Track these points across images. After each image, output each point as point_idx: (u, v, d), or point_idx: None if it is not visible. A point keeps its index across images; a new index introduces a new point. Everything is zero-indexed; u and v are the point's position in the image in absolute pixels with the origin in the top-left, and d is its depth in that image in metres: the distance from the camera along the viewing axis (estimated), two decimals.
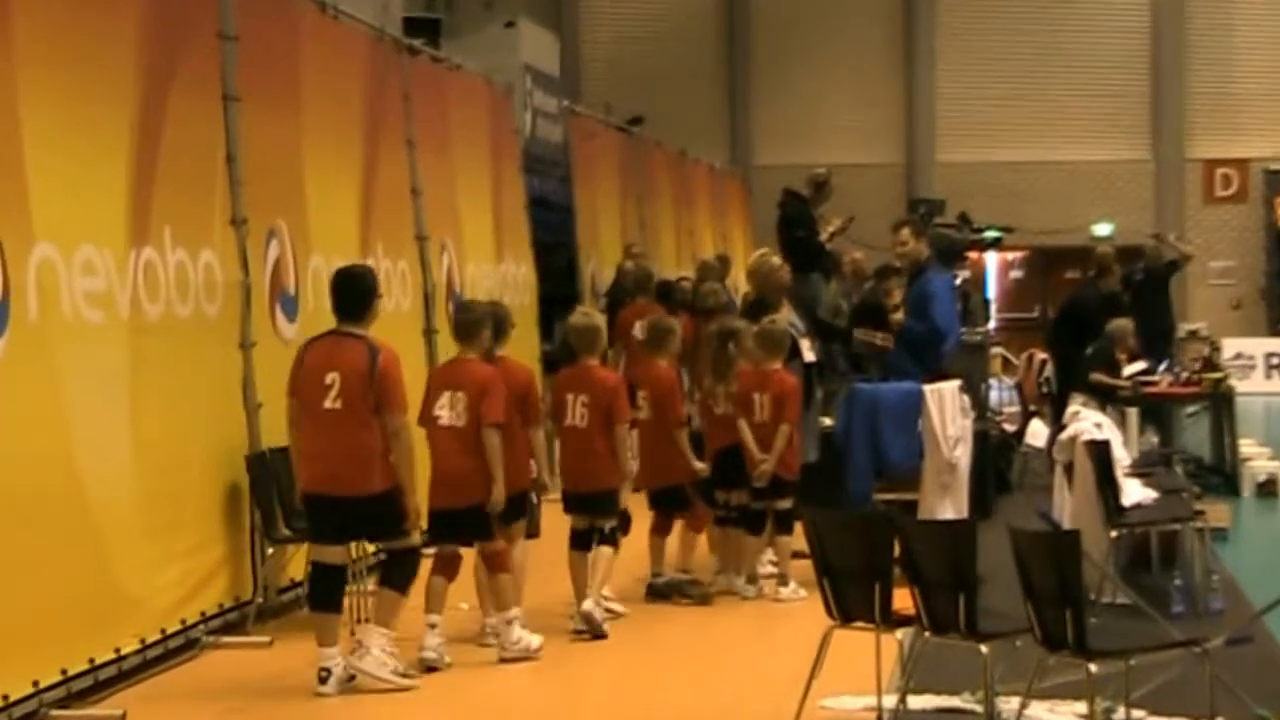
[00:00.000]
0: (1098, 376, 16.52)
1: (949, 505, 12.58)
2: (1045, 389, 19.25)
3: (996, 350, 21.10)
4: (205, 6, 11.41)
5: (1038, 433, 18.37)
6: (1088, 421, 12.07)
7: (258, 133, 11.78)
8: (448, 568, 10.20)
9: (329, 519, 9.57)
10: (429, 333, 14.99)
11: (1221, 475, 17.30)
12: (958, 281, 16.42)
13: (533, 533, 10.87)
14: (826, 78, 34.55)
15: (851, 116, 34.50)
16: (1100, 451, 11.46)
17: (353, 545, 10.13)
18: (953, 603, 7.81)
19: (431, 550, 10.25)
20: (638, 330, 17.19)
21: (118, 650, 9.56)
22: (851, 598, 8.20)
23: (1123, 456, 12.17)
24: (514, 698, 9.81)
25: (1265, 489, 17.00)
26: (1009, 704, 8.17)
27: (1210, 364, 18.27)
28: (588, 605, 10.80)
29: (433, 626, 9.95)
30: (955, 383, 13.06)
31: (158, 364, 10.22)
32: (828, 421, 13.20)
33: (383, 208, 14.19)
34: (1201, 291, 33.10)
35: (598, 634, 10.77)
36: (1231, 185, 34.58)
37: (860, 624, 8.21)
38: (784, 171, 22.37)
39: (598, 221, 22.74)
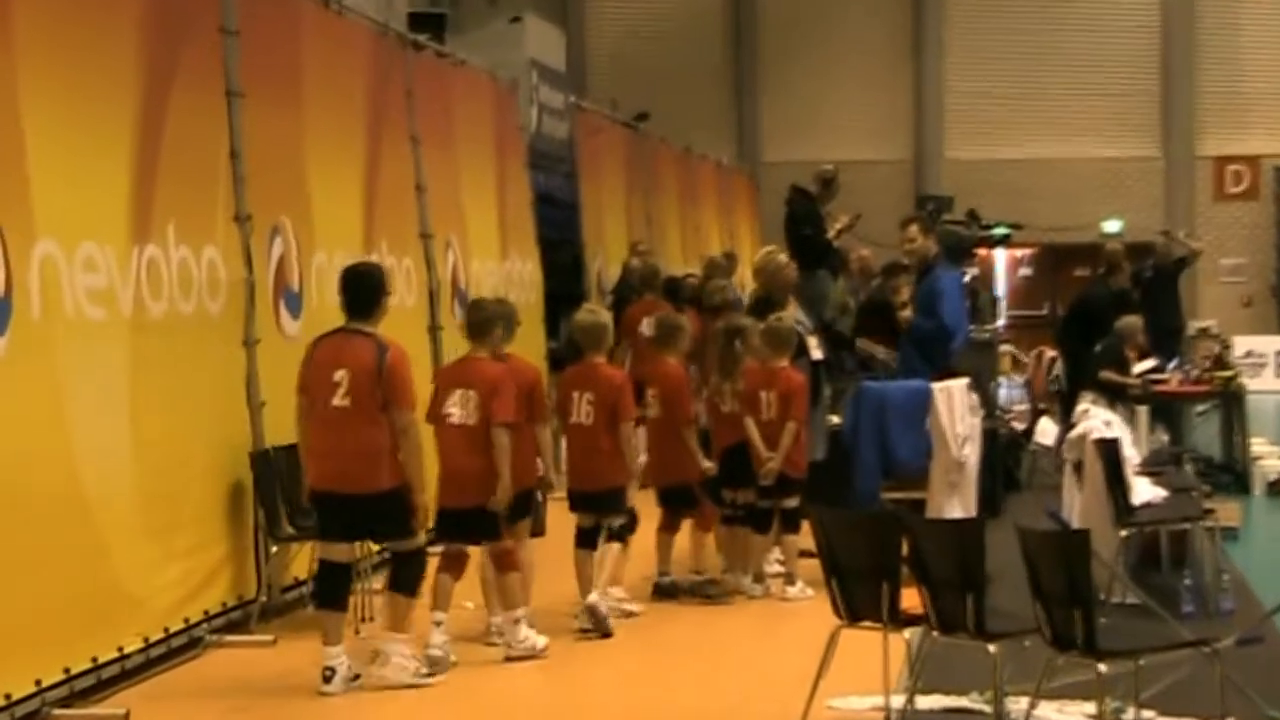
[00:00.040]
0: (1107, 374, 16.51)
1: (957, 504, 12.56)
2: (1054, 387, 19.24)
3: (1005, 348, 21.08)
4: (207, 1, 11.41)
5: (1047, 431, 18.36)
6: (1097, 420, 12.07)
7: (261, 129, 11.78)
8: (455, 566, 10.22)
9: (337, 516, 9.59)
10: (433, 329, 15.00)
11: (1232, 474, 17.29)
12: (966, 279, 16.41)
13: (538, 531, 10.87)
14: (834, 73, 34.54)
15: (859, 112, 34.49)
16: (1110, 450, 11.45)
17: (359, 544, 10.14)
18: (961, 602, 7.80)
19: (437, 548, 10.25)
20: (645, 327, 17.24)
21: (121, 649, 9.57)
22: (859, 597, 8.20)
23: (1132, 455, 12.18)
24: (519, 697, 9.81)
25: (1276, 488, 16.99)
26: (1018, 704, 8.16)
27: (1221, 362, 18.26)
28: (593, 598, 10.81)
29: (438, 624, 9.96)
30: (964, 381, 13.04)
31: (160, 362, 10.23)
32: (835, 420, 13.19)
33: (387, 204, 14.20)
34: (1212, 289, 33.09)
35: (603, 630, 10.77)
36: (1242, 182, 34.57)
37: (868, 623, 8.20)
38: (791, 168, 22.37)
39: (603, 218, 22.74)
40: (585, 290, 20.97)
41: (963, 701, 8.71)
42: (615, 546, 11.05)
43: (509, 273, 17.87)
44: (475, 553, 10.37)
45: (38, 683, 8.74)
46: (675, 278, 18.98)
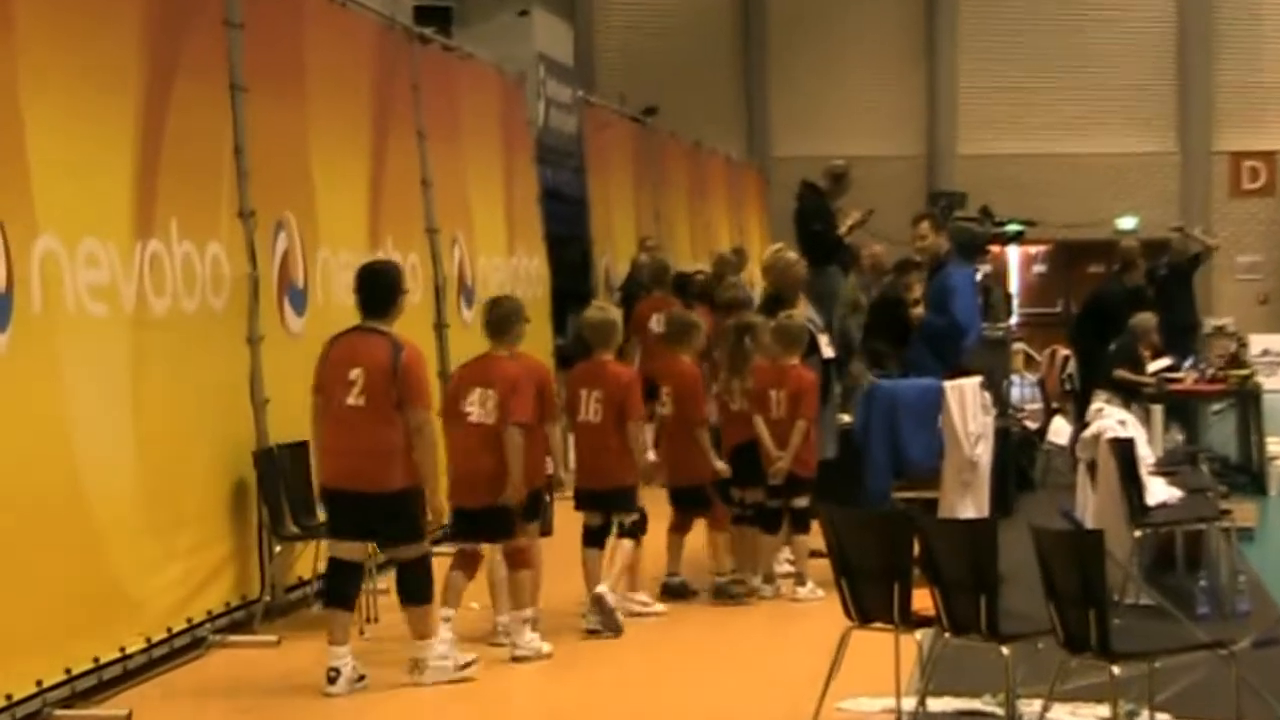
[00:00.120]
0: (1121, 373, 16.50)
1: (970, 504, 12.57)
2: (1068, 385, 19.22)
3: (1018, 346, 21.08)
4: None
5: (1060, 430, 18.35)
6: (1111, 419, 12.06)
7: (265, 123, 11.79)
8: (468, 565, 10.29)
9: (347, 515, 9.61)
10: (440, 326, 15.01)
11: (1248, 474, 17.26)
12: (979, 276, 16.41)
13: (545, 531, 10.88)
14: (845, 66, 34.51)
15: (871, 107, 34.45)
16: (1124, 449, 11.44)
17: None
18: (973, 603, 7.80)
19: (442, 548, 10.27)
20: (655, 324, 17.25)
21: (123, 649, 9.57)
22: (870, 598, 8.20)
23: (1147, 454, 12.17)
24: (526, 697, 9.82)
25: None
26: (1030, 706, 8.16)
27: (1236, 360, 18.24)
28: (601, 589, 10.82)
29: (446, 620, 9.99)
30: (976, 379, 13.05)
31: (163, 359, 10.23)
32: (846, 418, 13.19)
33: (392, 200, 14.21)
34: (1228, 286, 33.05)
35: (612, 625, 10.79)
36: (1259, 178, 34.51)
37: (879, 624, 8.21)
38: (802, 163, 22.34)
39: (612, 214, 22.75)
40: (593, 287, 20.98)
41: (975, 704, 8.70)
42: (627, 543, 11.07)
43: (516, 269, 17.87)
44: (485, 552, 10.39)
45: (39, 683, 8.74)
46: (685, 274, 18.98)
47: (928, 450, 12.74)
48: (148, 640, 9.86)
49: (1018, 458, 16.32)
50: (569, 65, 25.13)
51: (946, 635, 8.09)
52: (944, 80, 34.60)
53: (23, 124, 8.96)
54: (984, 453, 12.79)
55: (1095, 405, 13.18)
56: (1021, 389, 20.43)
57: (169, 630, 10.12)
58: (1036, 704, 8.08)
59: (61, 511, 9.08)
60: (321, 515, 11.07)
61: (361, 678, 9.52)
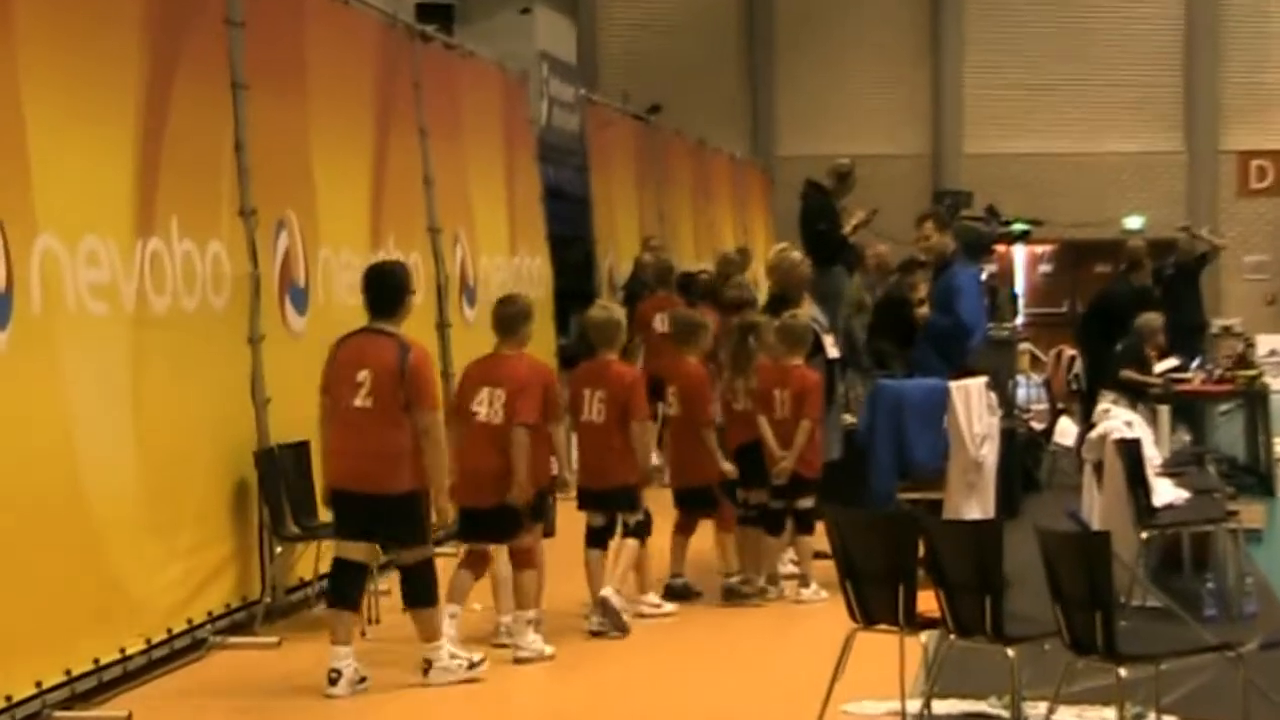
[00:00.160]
0: (1128, 373, 16.50)
1: (975, 505, 12.56)
2: (1074, 386, 19.22)
3: (1024, 346, 21.07)
4: None
5: (1066, 431, 18.35)
6: (1118, 419, 12.06)
7: (266, 121, 11.80)
8: (477, 564, 10.36)
9: (354, 516, 9.63)
10: (441, 326, 15.01)
11: (1255, 475, 17.26)
12: (984, 276, 16.40)
13: (548, 532, 10.88)
14: (851, 64, 34.51)
15: (876, 105, 34.45)
16: (1131, 450, 11.44)
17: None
18: (978, 605, 7.80)
19: (445, 549, 10.28)
20: (658, 323, 17.27)
21: (122, 650, 9.58)
22: (874, 599, 8.20)
23: (1154, 455, 12.16)
24: (529, 698, 9.83)
25: None
26: (1036, 709, 8.16)
27: (1244, 361, 18.23)
28: (606, 592, 10.84)
29: (452, 616, 10.02)
30: (982, 379, 13.04)
31: (163, 358, 10.24)
32: (850, 419, 13.19)
33: (394, 198, 14.21)
34: (1236, 286, 33.04)
35: (618, 626, 10.80)
36: (1267, 177, 34.50)
37: (883, 626, 8.20)
38: (806, 162, 22.34)
39: (615, 213, 22.75)
40: (596, 286, 20.97)
41: (980, 706, 8.70)
42: (632, 542, 11.08)
43: (518, 268, 17.88)
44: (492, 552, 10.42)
45: (38, 684, 8.75)
46: (689, 273, 18.98)
47: (933, 451, 12.73)
48: (148, 641, 9.87)
49: (1023, 459, 16.32)
50: (572, 63, 25.12)
51: (951, 637, 8.09)
52: (950, 79, 34.60)
53: (23, 122, 8.97)
54: (989, 454, 12.79)
55: (1102, 406, 13.18)
56: (1027, 389, 20.44)
57: (169, 631, 10.12)
58: (1042, 706, 8.09)
59: (61, 511, 9.09)
60: (324, 516, 11.10)
61: (363, 679, 9.53)
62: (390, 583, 11.10)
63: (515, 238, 17.96)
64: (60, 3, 9.56)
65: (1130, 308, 17.70)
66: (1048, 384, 20.44)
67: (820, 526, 10.73)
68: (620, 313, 11.75)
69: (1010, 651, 7.77)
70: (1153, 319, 16.97)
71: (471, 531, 10.36)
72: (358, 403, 9.50)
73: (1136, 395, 16.08)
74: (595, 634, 10.83)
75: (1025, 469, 16.46)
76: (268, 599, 11.31)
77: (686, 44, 34.41)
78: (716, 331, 12.86)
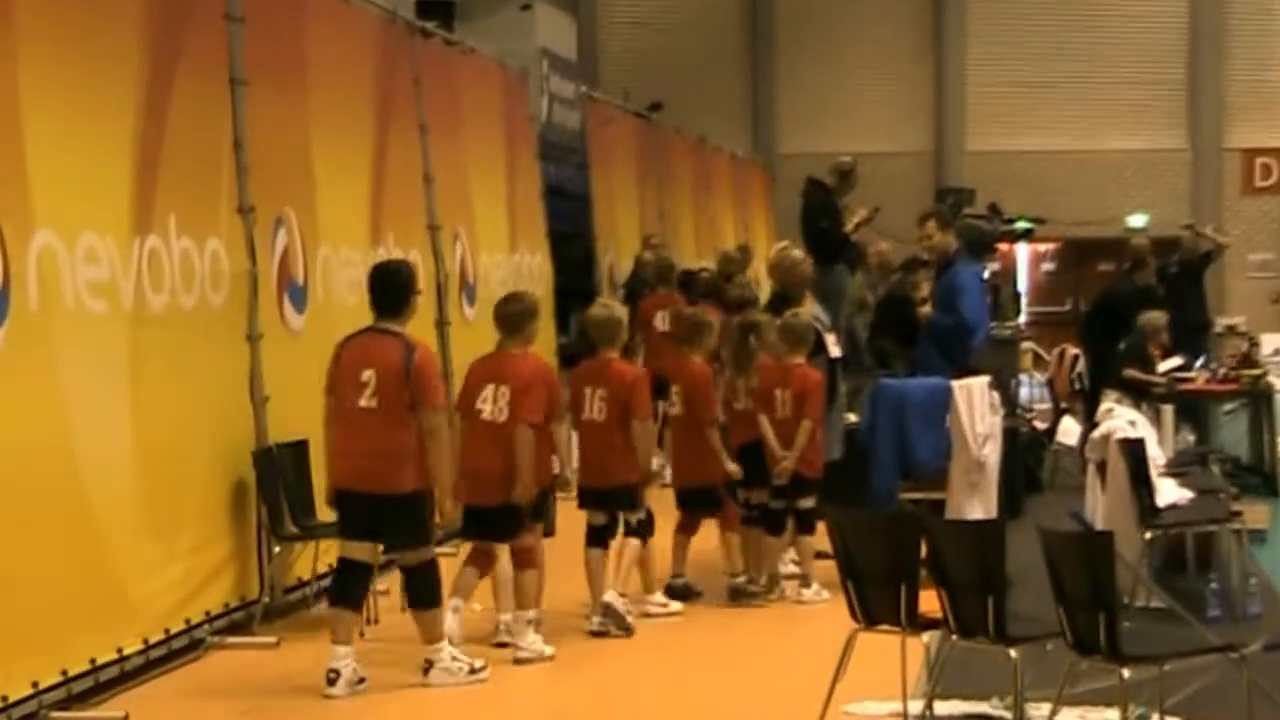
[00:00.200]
0: (1131, 373, 16.50)
1: (977, 505, 12.56)
2: (1077, 385, 19.22)
3: (1027, 345, 21.07)
4: None
5: (1069, 430, 18.33)
6: (1121, 419, 12.06)
7: (265, 118, 11.80)
8: (482, 562, 10.39)
9: (358, 516, 9.63)
10: (441, 324, 15.00)
11: (1260, 475, 17.26)
12: (987, 274, 16.40)
13: (548, 531, 10.89)
14: (853, 61, 34.49)
15: (878, 103, 34.43)
16: (1134, 450, 11.45)
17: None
18: (981, 605, 7.80)
19: (444, 549, 10.29)
20: (659, 322, 17.28)
21: (120, 650, 9.58)
22: (876, 600, 8.20)
23: (1157, 455, 12.17)
24: (529, 698, 9.83)
25: None
26: (1039, 710, 8.17)
27: (1248, 360, 18.22)
28: (609, 597, 10.85)
29: (455, 610, 10.05)
30: (984, 378, 13.04)
31: (162, 356, 10.24)
32: (853, 418, 13.19)
33: (394, 196, 14.21)
34: (1240, 285, 33.01)
35: (623, 627, 10.81)
36: (1271, 175, 34.47)
37: (885, 627, 8.21)
38: (808, 159, 22.33)
39: (615, 211, 22.76)
40: (596, 284, 20.98)
41: (982, 707, 8.70)
42: (634, 542, 11.09)
43: (518, 266, 17.88)
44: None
45: (34, 685, 8.74)
46: (690, 271, 18.99)
47: (935, 450, 12.73)
48: (145, 641, 9.86)
49: (1026, 458, 16.31)
50: (572, 60, 25.13)
51: (954, 638, 8.09)
52: (952, 75, 34.58)
53: (21, 118, 8.96)
54: (992, 453, 12.79)
55: (1105, 405, 13.17)
56: (1030, 389, 20.44)
57: (167, 631, 10.12)
58: (1045, 707, 8.09)
59: (58, 511, 9.09)
60: (323, 516, 11.12)
61: (361, 680, 9.52)
62: (389, 583, 11.11)
63: (515, 235, 17.97)
64: None
65: (1134, 306, 17.70)
66: (1051, 383, 20.44)
67: (821, 526, 10.74)
68: (622, 311, 11.75)
69: (1013, 652, 7.78)
70: (1156, 317, 16.96)
71: (475, 529, 10.38)
72: (363, 403, 9.51)
73: (1140, 394, 16.07)
74: (595, 634, 10.83)
75: (1028, 469, 16.46)
76: (266, 599, 11.31)
77: (687, 41, 34.39)
78: (720, 330, 12.86)
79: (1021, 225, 21.57)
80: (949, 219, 14.76)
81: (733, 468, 11.77)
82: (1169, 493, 11.73)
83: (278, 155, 12.04)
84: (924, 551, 8.11)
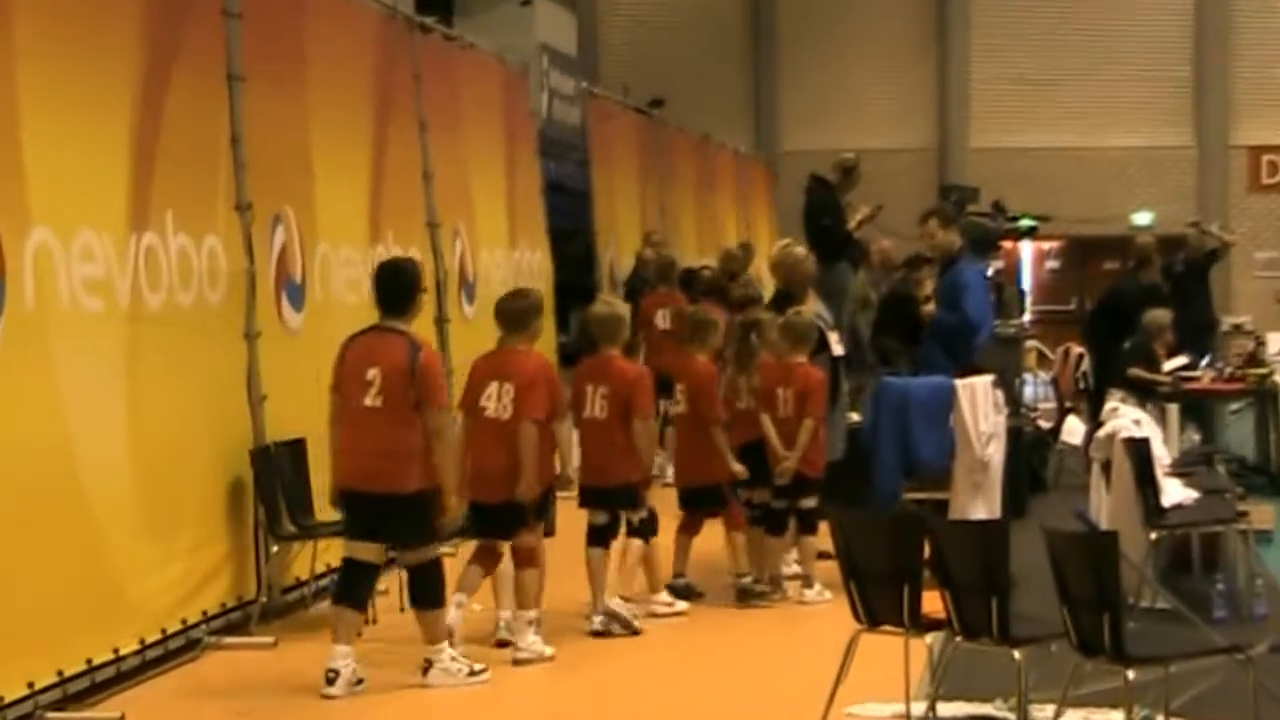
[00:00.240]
0: (1136, 372, 16.49)
1: (981, 505, 12.56)
2: (1082, 384, 19.21)
3: (1031, 344, 21.05)
4: None
5: (1074, 430, 18.31)
6: (1126, 418, 12.06)
7: (263, 114, 11.80)
8: (487, 559, 10.42)
9: (363, 516, 9.65)
10: (440, 322, 15.00)
11: (1266, 475, 17.25)
12: (990, 272, 16.39)
13: (548, 531, 10.89)
14: (856, 58, 34.48)
15: (881, 99, 34.41)
16: (1139, 450, 11.44)
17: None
18: (985, 606, 7.80)
19: (444, 548, 10.30)
20: (660, 320, 17.28)
21: (116, 650, 9.58)
22: (879, 601, 8.20)
23: (1163, 455, 12.16)
24: (529, 699, 9.83)
25: None
26: (1043, 712, 8.16)
27: (1254, 359, 18.21)
28: (614, 604, 10.86)
29: (459, 605, 10.10)
30: (988, 377, 13.03)
31: (159, 354, 10.24)
32: (855, 417, 13.19)
33: (393, 192, 14.21)
34: (1246, 284, 32.99)
35: (628, 628, 10.85)
36: (1278, 173, 34.46)
37: (888, 628, 8.21)
38: (811, 157, 22.32)
39: (616, 207, 22.76)
40: (597, 282, 20.98)
41: (986, 709, 8.70)
42: (636, 543, 11.10)
43: (518, 263, 17.88)
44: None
45: (30, 685, 8.75)
46: (692, 269, 18.98)
47: (938, 450, 12.71)
48: (142, 641, 9.87)
49: (1030, 458, 16.31)
50: (573, 55, 25.13)
51: (957, 639, 8.09)
52: (955, 71, 34.56)
53: (18, 114, 8.96)
54: (996, 453, 12.77)
55: (1110, 404, 13.17)
56: (1034, 388, 20.43)
57: (163, 631, 10.12)
58: (1049, 709, 8.08)
59: (54, 510, 9.09)
60: (321, 515, 11.14)
61: (360, 681, 9.52)
62: (389, 582, 11.10)
63: (515, 232, 17.96)
64: None
65: (1139, 305, 17.68)
66: (1055, 382, 20.41)
67: (824, 526, 10.74)
68: (624, 308, 11.76)
69: (1017, 653, 7.78)
70: (1160, 315, 16.95)
71: (479, 527, 10.40)
72: (368, 401, 9.52)
73: (1145, 394, 16.05)
74: (596, 634, 10.83)
75: (1032, 468, 16.45)
76: (263, 598, 11.32)
77: (689, 37, 34.38)
78: (724, 329, 12.86)
79: (1026, 223, 21.56)
80: (951, 217, 14.75)
81: (738, 468, 11.76)
82: (1174, 493, 11.72)
83: (276, 152, 12.04)
84: (927, 552, 8.11)
